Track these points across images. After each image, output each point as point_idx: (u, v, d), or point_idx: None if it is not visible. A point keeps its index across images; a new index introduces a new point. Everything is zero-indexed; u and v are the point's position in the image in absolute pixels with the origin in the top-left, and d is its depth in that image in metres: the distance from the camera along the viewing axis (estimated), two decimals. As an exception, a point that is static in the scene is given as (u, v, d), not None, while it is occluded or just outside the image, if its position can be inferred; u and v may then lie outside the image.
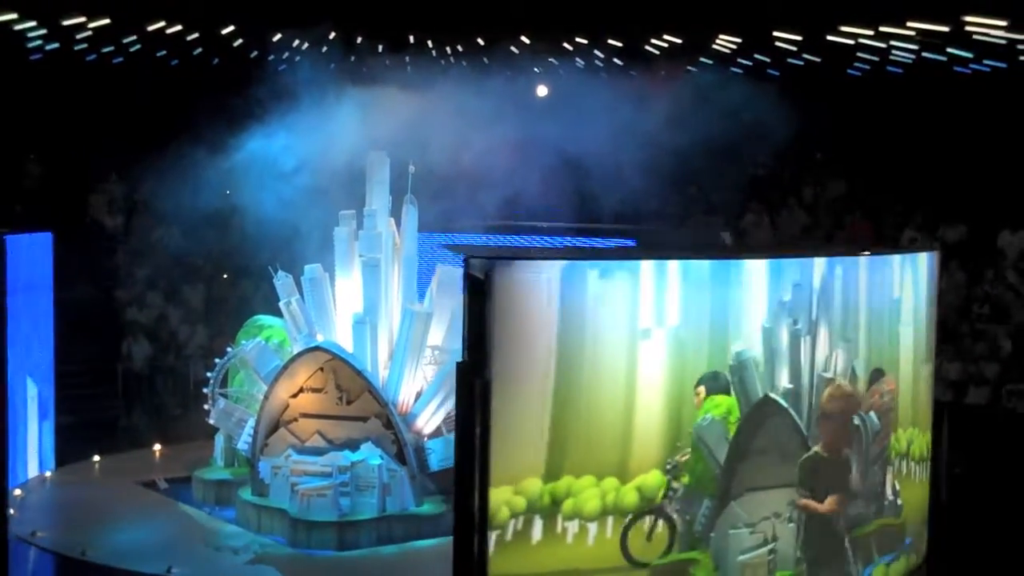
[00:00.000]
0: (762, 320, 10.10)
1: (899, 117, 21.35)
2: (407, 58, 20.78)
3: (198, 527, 13.85)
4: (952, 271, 19.12)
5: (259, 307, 17.35)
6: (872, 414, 11.10)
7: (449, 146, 15.33)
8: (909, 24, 17.80)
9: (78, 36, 20.12)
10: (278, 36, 20.33)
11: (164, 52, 21.65)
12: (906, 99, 21.28)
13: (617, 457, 9.28)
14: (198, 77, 22.33)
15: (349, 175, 14.87)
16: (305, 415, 14.07)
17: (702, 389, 9.75)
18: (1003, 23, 17.01)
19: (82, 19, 19.19)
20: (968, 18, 17.01)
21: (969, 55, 19.09)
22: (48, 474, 15.75)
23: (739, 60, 21.05)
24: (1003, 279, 19.48)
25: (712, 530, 9.83)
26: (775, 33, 19.42)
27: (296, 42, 20.25)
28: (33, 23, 19.46)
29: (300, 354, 14.07)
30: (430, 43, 21.37)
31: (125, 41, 20.83)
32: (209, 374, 15.16)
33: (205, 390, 15.11)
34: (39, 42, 20.50)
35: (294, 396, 14.14)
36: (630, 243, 18.86)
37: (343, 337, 14.39)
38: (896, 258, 11.66)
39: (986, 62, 19.46)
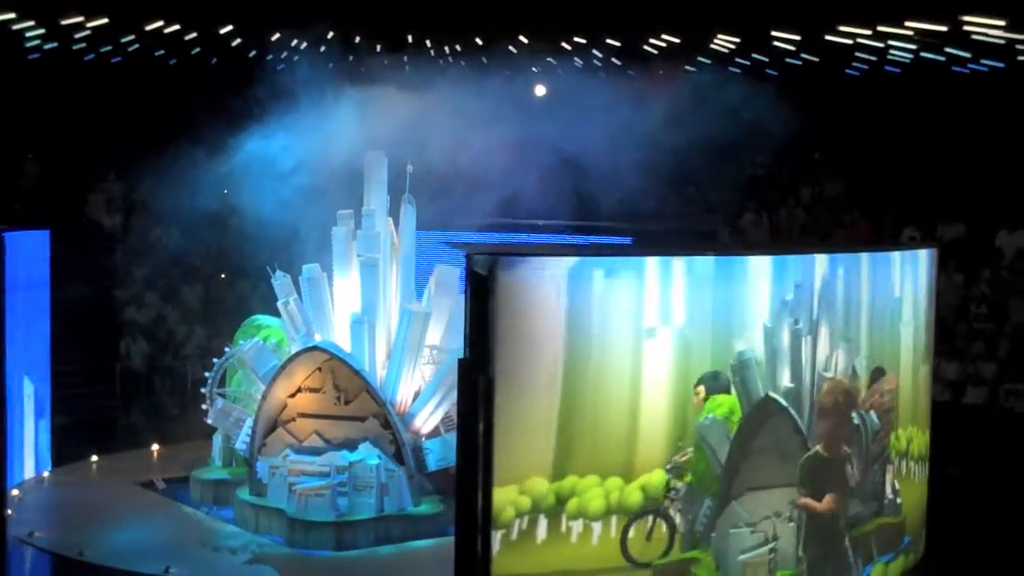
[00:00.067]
0: (764, 319, 10.08)
1: (897, 117, 21.33)
2: (405, 58, 20.80)
3: (196, 527, 13.80)
4: (950, 271, 19.12)
5: (257, 307, 17.33)
6: (872, 413, 11.09)
7: (447, 146, 15.31)
8: (907, 24, 17.82)
9: (76, 36, 20.12)
10: (276, 36, 20.34)
11: (162, 52, 21.64)
12: (904, 99, 21.27)
13: (622, 456, 9.26)
14: (196, 77, 22.31)
15: (347, 175, 14.85)
16: (303, 415, 14.04)
17: (702, 389, 9.73)
18: (1001, 23, 17.03)
19: (80, 19, 19.19)
20: (966, 18, 17.03)
21: (967, 55, 19.10)
22: (45, 474, 15.70)
23: (737, 60, 21.04)
24: (1001, 279, 19.48)
25: (713, 529, 9.82)
26: (773, 33, 19.42)
27: (294, 42, 20.24)
28: (31, 22, 19.45)
29: (298, 354, 14.05)
30: (428, 43, 21.36)
31: (123, 41, 20.83)
32: (207, 374, 15.14)
33: (203, 390, 15.10)
34: (37, 42, 20.50)
35: (292, 396, 14.12)
36: (626, 241, 18.86)
37: (341, 337, 14.37)
38: (896, 255, 11.65)
39: (984, 62, 19.46)
